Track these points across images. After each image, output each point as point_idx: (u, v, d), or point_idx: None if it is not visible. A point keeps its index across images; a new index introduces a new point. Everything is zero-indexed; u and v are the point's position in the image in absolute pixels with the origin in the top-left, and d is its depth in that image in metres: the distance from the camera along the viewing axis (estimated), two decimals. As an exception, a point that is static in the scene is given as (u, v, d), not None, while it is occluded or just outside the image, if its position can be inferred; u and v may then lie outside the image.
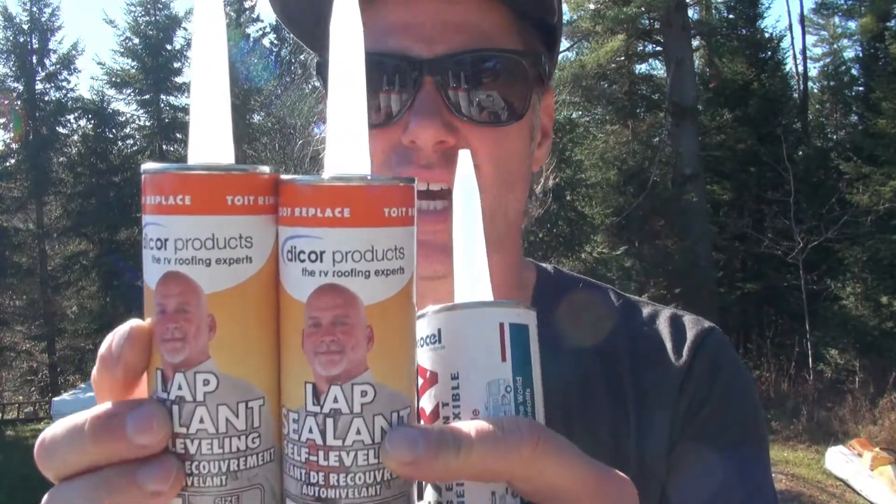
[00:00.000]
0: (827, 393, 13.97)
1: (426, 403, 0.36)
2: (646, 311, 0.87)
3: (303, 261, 0.31)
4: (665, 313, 0.86)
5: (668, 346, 0.81)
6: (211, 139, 0.32)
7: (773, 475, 0.82)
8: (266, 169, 0.34)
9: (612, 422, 0.78)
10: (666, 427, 0.78)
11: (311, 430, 0.32)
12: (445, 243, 0.69)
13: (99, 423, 0.34)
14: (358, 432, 0.32)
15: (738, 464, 0.76)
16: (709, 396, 0.79)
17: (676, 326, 0.83)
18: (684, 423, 0.78)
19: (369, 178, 0.32)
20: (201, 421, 0.31)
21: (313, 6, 0.76)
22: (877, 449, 10.29)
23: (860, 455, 10.42)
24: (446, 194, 0.73)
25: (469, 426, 0.34)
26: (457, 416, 0.35)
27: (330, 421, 0.32)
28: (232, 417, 0.31)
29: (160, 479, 0.32)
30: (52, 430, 0.37)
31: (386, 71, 0.74)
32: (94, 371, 0.39)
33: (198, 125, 0.32)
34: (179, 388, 0.32)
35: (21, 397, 24.77)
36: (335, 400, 0.31)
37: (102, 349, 0.37)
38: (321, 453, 0.32)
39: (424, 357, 0.36)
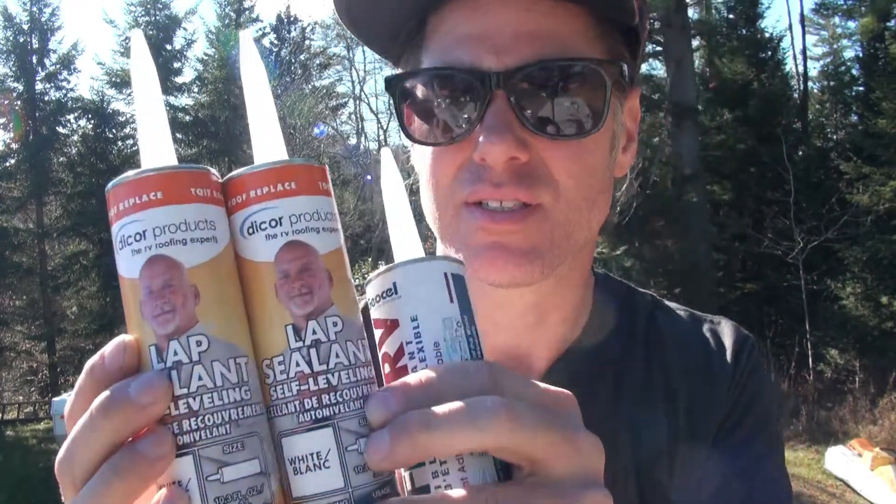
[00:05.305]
0: (827, 393, 13.97)
1: (389, 347, 0.41)
2: (686, 317, 0.89)
3: (264, 229, 0.38)
4: (705, 320, 0.89)
5: (714, 355, 0.84)
6: (157, 148, 0.40)
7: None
8: (213, 170, 0.41)
9: (671, 428, 0.81)
10: (711, 433, 0.81)
11: (297, 364, 0.38)
12: (522, 246, 0.70)
13: (105, 399, 0.37)
14: (337, 356, 0.38)
15: (751, 458, 0.80)
16: (736, 404, 0.83)
17: (717, 334, 0.86)
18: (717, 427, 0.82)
19: (299, 159, 0.40)
20: (200, 378, 0.36)
21: (378, 7, 0.72)
22: (877, 449, 10.29)
23: (860, 455, 10.41)
24: (519, 210, 0.70)
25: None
26: (420, 350, 0.41)
27: (313, 351, 0.38)
28: (225, 372, 0.36)
29: (158, 443, 0.35)
30: (67, 439, 0.40)
31: (455, 85, 0.70)
32: (80, 382, 0.41)
33: (146, 138, 0.40)
34: (175, 353, 0.36)
35: (21, 397, 24.72)
36: (314, 332, 0.38)
37: (93, 361, 0.40)
38: (311, 380, 0.38)
39: (383, 309, 0.42)
